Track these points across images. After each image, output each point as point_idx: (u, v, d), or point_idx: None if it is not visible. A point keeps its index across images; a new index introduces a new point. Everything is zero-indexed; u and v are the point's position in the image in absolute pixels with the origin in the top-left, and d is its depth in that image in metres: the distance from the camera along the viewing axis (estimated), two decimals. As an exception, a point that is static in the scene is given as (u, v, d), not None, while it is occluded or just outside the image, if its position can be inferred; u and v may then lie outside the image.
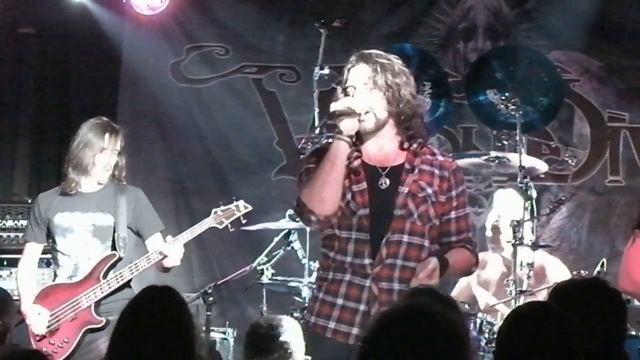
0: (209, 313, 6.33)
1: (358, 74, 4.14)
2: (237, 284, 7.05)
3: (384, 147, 4.17)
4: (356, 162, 4.13)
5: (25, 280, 5.64)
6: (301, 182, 4.16)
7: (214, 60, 8.59)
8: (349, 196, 4.08)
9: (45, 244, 5.68)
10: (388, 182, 4.10)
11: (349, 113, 4.05)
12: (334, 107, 4.08)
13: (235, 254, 7.98)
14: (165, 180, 8.48)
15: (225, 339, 7.00)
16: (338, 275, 4.10)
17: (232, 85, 8.59)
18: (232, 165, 8.46)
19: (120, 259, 5.48)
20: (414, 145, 4.15)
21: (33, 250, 5.70)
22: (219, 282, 6.67)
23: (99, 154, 5.56)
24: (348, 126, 4.05)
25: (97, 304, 5.44)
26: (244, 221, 5.66)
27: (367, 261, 4.05)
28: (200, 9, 8.57)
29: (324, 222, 4.08)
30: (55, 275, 5.62)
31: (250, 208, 5.63)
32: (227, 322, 7.30)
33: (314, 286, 4.53)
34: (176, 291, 3.49)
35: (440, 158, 4.20)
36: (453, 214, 4.17)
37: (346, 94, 4.13)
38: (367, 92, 4.11)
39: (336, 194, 4.03)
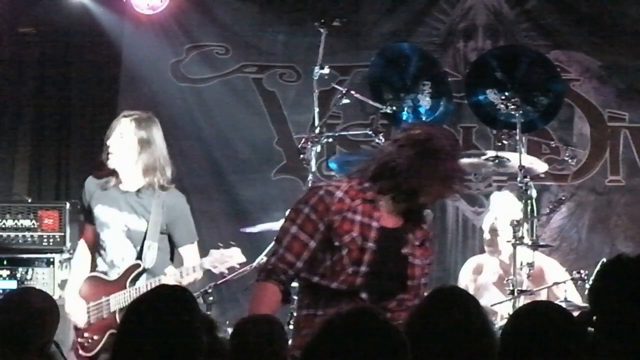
0: (209, 313, 6.33)
1: None
2: (237, 284, 7.04)
3: None
4: None
5: (76, 265, 5.72)
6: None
7: (214, 60, 8.58)
8: None
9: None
10: None
11: None
12: None
13: (235, 254, 7.97)
14: (165, 180, 8.47)
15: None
16: None
17: (232, 85, 8.58)
18: (232, 165, 8.45)
19: (144, 270, 5.48)
20: None
21: (88, 232, 5.75)
22: (219, 282, 6.67)
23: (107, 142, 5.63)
24: None
25: (122, 310, 5.44)
26: (237, 267, 5.81)
27: None
28: (200, 9, 8.56)
29: None
30: (96, 265, 5.65)
31: (244, 259, 5.68)
32: (227, 322, 7.28)
33: None
34: (188, 289, 3.47)
35: None
36: None
37: None
38: None
39: None
